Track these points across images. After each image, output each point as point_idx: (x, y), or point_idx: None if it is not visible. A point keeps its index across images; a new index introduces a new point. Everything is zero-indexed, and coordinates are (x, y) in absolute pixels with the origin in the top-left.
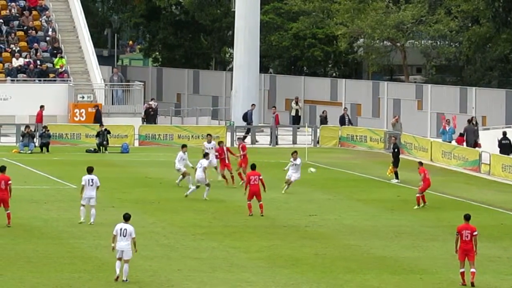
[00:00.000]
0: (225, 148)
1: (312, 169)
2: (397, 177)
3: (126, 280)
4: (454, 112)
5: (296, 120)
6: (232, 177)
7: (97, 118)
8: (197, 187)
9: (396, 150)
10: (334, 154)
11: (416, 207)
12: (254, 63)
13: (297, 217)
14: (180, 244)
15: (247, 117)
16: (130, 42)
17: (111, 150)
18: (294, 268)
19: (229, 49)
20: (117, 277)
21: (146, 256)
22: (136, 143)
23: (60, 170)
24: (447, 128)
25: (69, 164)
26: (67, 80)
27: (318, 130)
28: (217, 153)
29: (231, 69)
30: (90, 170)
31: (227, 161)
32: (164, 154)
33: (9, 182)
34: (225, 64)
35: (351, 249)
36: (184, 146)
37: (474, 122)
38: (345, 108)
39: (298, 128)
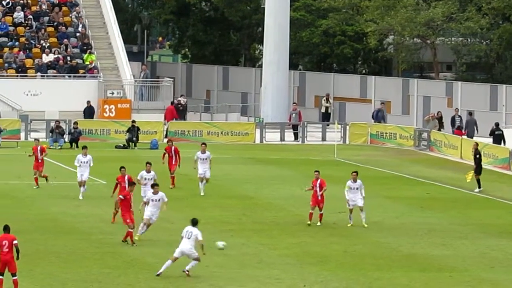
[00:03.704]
0: (173, 148)
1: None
2: (479, 186)
3: (185, 271)
4: (484, 110)
5: (325, 117)
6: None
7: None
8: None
9: (478, 156)
10: (364, 151)
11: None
12: (284, 60)
13: (325, 214)
14: (208, 241)
15: (375, 116)
16: (160, 39)
17: (140, 146)
18: (322, 265)
19: (259, 45)
20: (159, 273)
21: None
22: (165, 140)
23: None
24: None
25: (99, 160)
26: (96, 76)
27: (347, 127)
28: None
29: (261, 66)
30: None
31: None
32: (193, 151)
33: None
34: (254, 60)
35: (380, 246)
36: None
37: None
38: (382, 103)
39: (328, 125)
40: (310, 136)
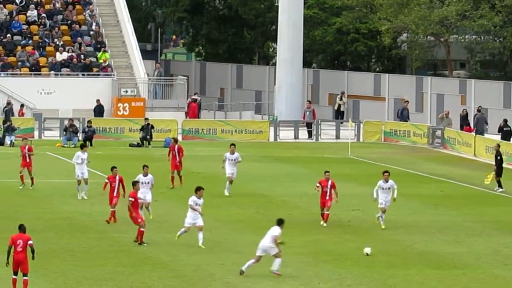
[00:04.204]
0: (177, 147)
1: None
2: (500, 186)
3: (274, 271)
4: (497, 108)
5: (339, 115)
6: (180, 177)
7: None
8: None
9: (499, 157)
10: (377, 149)
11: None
12: (298, 58)
13: (339, 212)
14: (223, 238)
15: (400, 114)
16: (174, 37)
17: (154, 145)
18: (337, 263)
19: (273, 43)
20: (242, 271)
21: (189, 251)
22: (180, 138)
23: (104, 165)
24: None
25: (113, 158)
26: (110, 75)
27: (361, 125)
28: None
29: (274, 64)
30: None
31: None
32: (207, 149)
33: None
34: (268, 58)
35: (394, 244)
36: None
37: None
38: (406, 101)
39: (342, 123)
40: (324, 134)
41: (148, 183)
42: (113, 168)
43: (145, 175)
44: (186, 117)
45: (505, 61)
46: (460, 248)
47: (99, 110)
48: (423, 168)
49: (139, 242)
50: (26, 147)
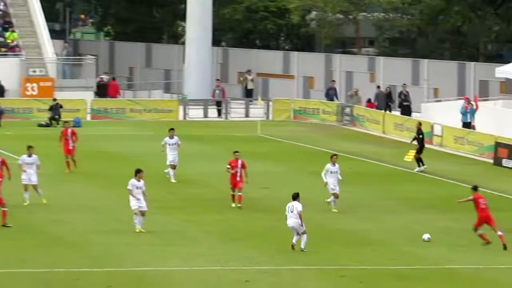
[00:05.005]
0: (70, 131)
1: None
2: (419, 165)
3: (303, 249)
4: (406, 84)
5: (248, 94)
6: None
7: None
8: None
9: (421, 136)
10: (287, 127)
11: None
12: (207, 37)
13: (250, 190)
14: (132, 218)
15: (327, 94)
16: (83, 16)
17: (63, 124)
18: (247, 241)
19: (182, 22)
20: (292, 245)
21: (98, 230)
22: (89, 117)
23: (12, 145)
24: (468, 108)
25: (22, 138)
26: (18, 55)
27: (270, 103)
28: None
29: (184, 43)
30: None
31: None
32: (117, 128)
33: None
34: (177, 37)
35: (304, 222)
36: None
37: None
38: (333, 80)
39: (251, 101)
40: (233, 112)
41: (33, 164)
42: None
43: (30, 155)
44: (95, 97)
45: (414, 38)
46: (370, 225)
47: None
48: (333, 145)
49: (2, 224)
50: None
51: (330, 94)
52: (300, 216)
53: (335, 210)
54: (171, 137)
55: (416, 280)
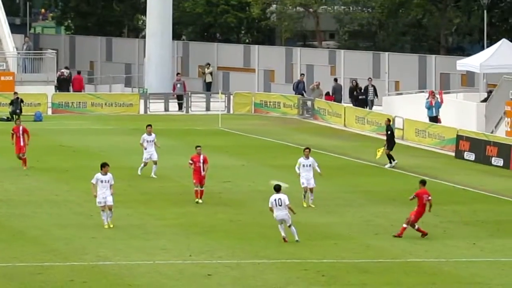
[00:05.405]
0: (21, 128)
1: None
2: (390, 161)
3: (298, 240)
4: (367, 78)
5: (208, 87)
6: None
7: None
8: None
9: (390, 132)
10: (248, 120)
11: None
12: (167, 30)
13: (211, 184)
14: (94, 212)
15: (296, 87)
16: (43, 10)
17: (24, 119)
18: (209, 234)
19: (142, 16)
20: (284, 238)
21: (60, 224)
22: (50, 111)
23: None
24: (433, 103)
25: None
26: None
27: (231, 97)
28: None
29: (144, 37)
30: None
31: None
32: (78, 122)
33: None
34: (138, 31)
35: (265, 215)
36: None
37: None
38: (302, 74)
39: (211, 95)
40: (194, 106)
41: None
42: None
43: (149, 134)
44: (56, 91)
45: (374, 31)
46: (332, 219)
47: None
48: (294, 139)
49: None
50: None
51: (300, 88)
52: (290, 208)
53: (312, 205)
54: (149, 134)
55: (378, 273)
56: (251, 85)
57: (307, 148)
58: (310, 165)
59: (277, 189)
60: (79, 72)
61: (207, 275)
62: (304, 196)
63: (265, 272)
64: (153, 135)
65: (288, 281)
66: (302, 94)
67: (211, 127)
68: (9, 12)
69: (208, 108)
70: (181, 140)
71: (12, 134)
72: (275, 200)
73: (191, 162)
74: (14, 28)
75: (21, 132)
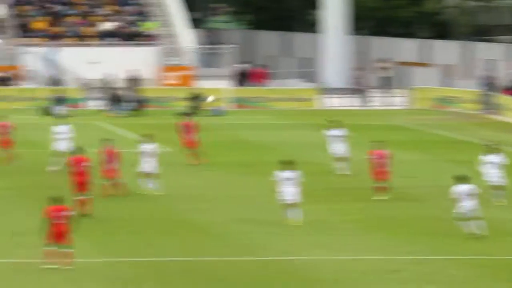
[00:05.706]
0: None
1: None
2: None
3: (484, 235)
4: None
5: (386, 82)
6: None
7: None
8: None
9: None
10: (427, 116)
11: None
12: (344, 25)
13: (394, 179)
14: (277, 208)
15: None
16: (218, 5)
17: (202, 114)
18: (392, 230)
19: (316, 11)
20: (470, 232)
21: (242, 219)
22: (229, 107)
23: (159, 134)
24: None
25: (161, 128)
26: (156, 44)
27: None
28: None
29: (321, 31)
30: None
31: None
32: (256, 117)
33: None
34: (312, 26)
35: (448, 211)
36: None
37: None
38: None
39: (390, 90)
40: (373, 101)
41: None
42: None
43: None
44: (235, 86)
45: None
46: None
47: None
48: (477, 135)
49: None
50: None
51: (487, 83)
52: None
53: (502, 202)
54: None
55: None
56: (429, 80)
57: (495, 145)
58: (499, 162)
59: (462, 179)
60: (259, 66)
61: (393, 271)
62: (492, 194)
63: (451, 268)
64: (339, 130)
65: (476, 278)
66: (489, 90)
67: (390, 122)
68: (187, 7)
69: (387, 103)
70: (361, 135)
71: (181, 129)
72: (463, 190)
73: (372, 157)
74: (192, 23)
75: (191, 126)
